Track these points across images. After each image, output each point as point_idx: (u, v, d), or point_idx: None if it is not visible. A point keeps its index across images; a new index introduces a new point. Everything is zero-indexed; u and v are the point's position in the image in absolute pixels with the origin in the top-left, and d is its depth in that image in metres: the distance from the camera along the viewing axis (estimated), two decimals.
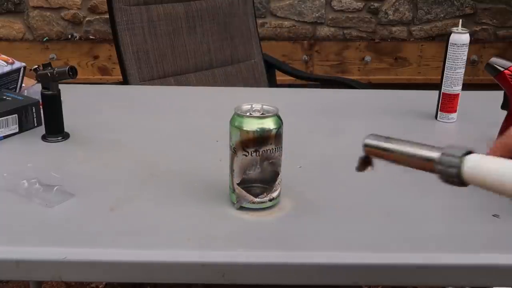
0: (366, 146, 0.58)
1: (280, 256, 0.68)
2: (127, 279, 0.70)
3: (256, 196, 0.75)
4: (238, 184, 0.75)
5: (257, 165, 0.73)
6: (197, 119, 1.14)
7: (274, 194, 0.76)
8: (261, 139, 0.72)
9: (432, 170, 0.50)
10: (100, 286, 1.82)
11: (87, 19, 2.82)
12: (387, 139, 0.56)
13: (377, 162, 0.59)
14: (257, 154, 0.73)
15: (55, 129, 1.00)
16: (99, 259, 0.67)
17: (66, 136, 1.01)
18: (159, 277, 0.67)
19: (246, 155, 0.73)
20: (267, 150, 0.73)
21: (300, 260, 0.68)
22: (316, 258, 0.68)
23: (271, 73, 1.99)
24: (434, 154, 0.49)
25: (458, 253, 0.69)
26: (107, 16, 1.75)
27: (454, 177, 0.46)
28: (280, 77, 2.05)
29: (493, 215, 0.76)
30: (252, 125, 0.72)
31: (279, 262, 0.67)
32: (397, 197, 0.83)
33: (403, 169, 0.90)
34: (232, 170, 0.75)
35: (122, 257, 0.68)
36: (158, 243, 0.70)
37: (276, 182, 0.76)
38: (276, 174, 0.75)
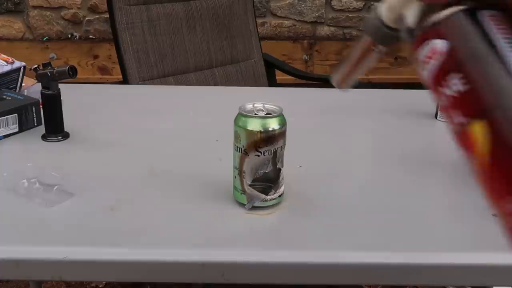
0: None
1: (280, 255, 0.68)
2: (127, 279, 0.70)
3: (266, 194, 0.76)
4: (249, 184, 0.75)
5: (269, 163, 0.74)
6: (197, 119, 1.14)
7: (281, 190, 0.77)
8: (273, 138, 0.73)
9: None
10: (100, 286, 1.82)
11: (87, 18, 2.81)
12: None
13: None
14: (269, 153, 0.73)
15: (55, 129, 1.00)
16: (99, 259, 0.67)
17: (66, 135, 1.01)
18: (159, 277, 0.67)
19: (258, 155, 0.73)
20: (277, 148, 0.74)
21: (300, 259, 0.68)
22: (316, 257, 0.68)
23: (271, 73, 1.99)
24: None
25: (458, 253, 0.69)
26: (107, 15, 1.75)
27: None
28: (280, 76, 2.05)
29: (493, 215, 0.76)
30: (265, 125, 0.73)
31: (279, 262, 0.67)
32: (398, 196, 0.83)
33: (404, 169, 0.91)
34: (242, 172, 0.75)
35: (122, 257, 0.68)
36: (158, 243, 0.70)
37: (281, 178, 0.76)
38: (279, 170, 0.76)
